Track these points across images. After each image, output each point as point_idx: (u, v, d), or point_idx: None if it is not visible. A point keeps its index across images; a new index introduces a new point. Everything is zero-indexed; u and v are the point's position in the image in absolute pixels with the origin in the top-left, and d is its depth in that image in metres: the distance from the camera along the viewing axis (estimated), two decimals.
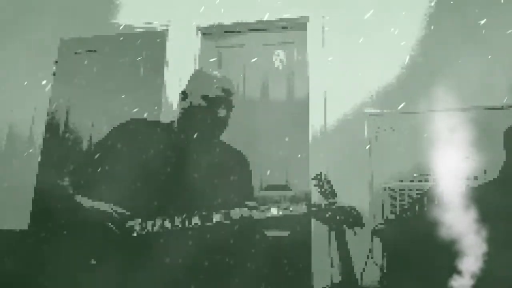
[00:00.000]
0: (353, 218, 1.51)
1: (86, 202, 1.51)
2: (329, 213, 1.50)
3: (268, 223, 1.50)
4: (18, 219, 2.80)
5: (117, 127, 1.67)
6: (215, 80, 1.62)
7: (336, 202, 1.56)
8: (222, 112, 1.59)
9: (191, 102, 1.61)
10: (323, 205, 1.53)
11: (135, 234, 1.44)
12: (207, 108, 1.58)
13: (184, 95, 1.66)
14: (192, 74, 1.74)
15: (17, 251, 2.52)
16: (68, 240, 1.46)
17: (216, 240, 1.47)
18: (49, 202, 1.64)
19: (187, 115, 1.62)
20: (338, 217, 1.50)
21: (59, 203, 1.55)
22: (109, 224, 1.45)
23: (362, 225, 1.52)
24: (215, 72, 1.68)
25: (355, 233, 1.55)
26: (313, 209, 1.51)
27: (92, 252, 1.43)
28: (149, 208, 1.48)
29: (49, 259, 1.47)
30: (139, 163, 1.54)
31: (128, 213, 1.47)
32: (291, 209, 1.48)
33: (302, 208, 1.50)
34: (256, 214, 1.46)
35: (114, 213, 1.46)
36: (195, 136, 1.61)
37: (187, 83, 1.70)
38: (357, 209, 1.53)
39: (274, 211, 1.48)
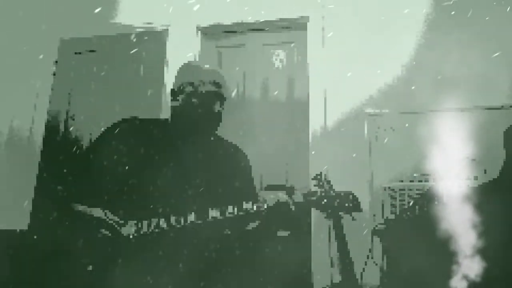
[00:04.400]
0: (350, 203, 1.47)
1: (80, 208, 1.47)
2: (325, 200, 1.48)
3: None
4: (18, 219, 2.80)
5: (109, 128, 1.61)
6: (204, 75, 1.55)
7: (333, 189, 1.53)
8: (216, 107, 1.54)
9: (182, 101, 1.55)
10: (319, 193, 1.50)
11: (131, 237, 1.41)
12: (200, 105, 1.53)
13: (174, 94, 1.59)
14: (179, 69, 1.64)
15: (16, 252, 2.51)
16: (64, 245, 1.45)
17: (211, 238, 1.46)
18: (47, 207, 1.63)
19: (180, 113, 1.57)
20: (335, 203, 1.47)
21: (55, 209, 1.53)
22: (103, 230, 1.40)
23: (359, 210, 1.48)
24: (205, 66, 1.60)
25: (353, 218, 1.52)
26: (310, 197, 1.48)
27: (89, 258, 1.41)
28: (145, 209, 1.45)
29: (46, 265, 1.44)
30: (133, 163, 1.50)
31: (121, 221, 1.43)
32: (287, 199, 1.45)
33: (298, 197, 1.47)
34: (253, 206, 1.43)
35: (107, 219, 1.41)
36: (190, 133, 1.57)
37: (174, 80, 1.63)
38: (354, 194, 1.49)
39: (270, 203, 1.44)
